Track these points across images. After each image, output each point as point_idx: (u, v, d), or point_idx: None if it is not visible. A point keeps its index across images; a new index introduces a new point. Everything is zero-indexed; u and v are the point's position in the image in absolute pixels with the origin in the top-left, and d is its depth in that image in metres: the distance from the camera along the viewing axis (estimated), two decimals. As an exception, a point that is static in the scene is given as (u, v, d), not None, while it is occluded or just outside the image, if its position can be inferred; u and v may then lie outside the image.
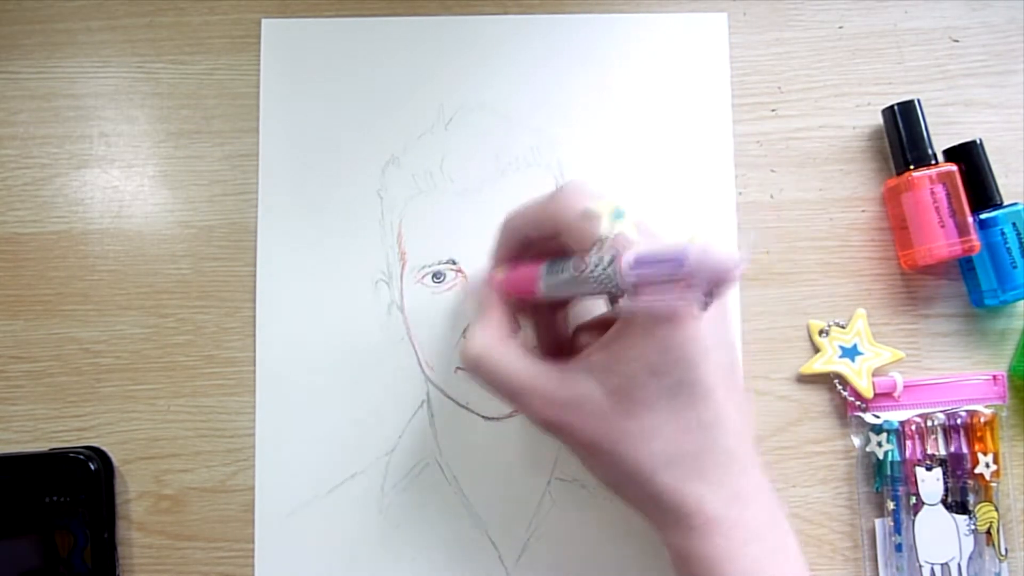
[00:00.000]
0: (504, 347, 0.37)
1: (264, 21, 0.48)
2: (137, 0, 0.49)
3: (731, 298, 0.47)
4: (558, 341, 0.42)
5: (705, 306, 0.30)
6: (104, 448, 0.45)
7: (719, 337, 0.35)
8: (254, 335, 0.46)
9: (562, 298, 0.37)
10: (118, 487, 0.45)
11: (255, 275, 0.47)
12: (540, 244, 0.39)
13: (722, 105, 0.48)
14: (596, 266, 0.33)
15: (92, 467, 0.44)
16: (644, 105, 0.48)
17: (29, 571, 0.43)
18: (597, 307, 0.42)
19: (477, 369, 0.37)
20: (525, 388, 0.36)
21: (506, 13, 0.49)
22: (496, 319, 0.38)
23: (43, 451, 0.45)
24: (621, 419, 0.34)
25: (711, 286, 0.29)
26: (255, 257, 0.47)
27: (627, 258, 0.31)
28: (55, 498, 0.44)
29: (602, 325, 0.39)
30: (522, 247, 0.40)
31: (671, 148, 0.48)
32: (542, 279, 0.36)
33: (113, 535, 0.44)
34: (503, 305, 0.39)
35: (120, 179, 0.48)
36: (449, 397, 0.46)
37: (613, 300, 0.39)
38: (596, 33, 0.48)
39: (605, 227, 0.34)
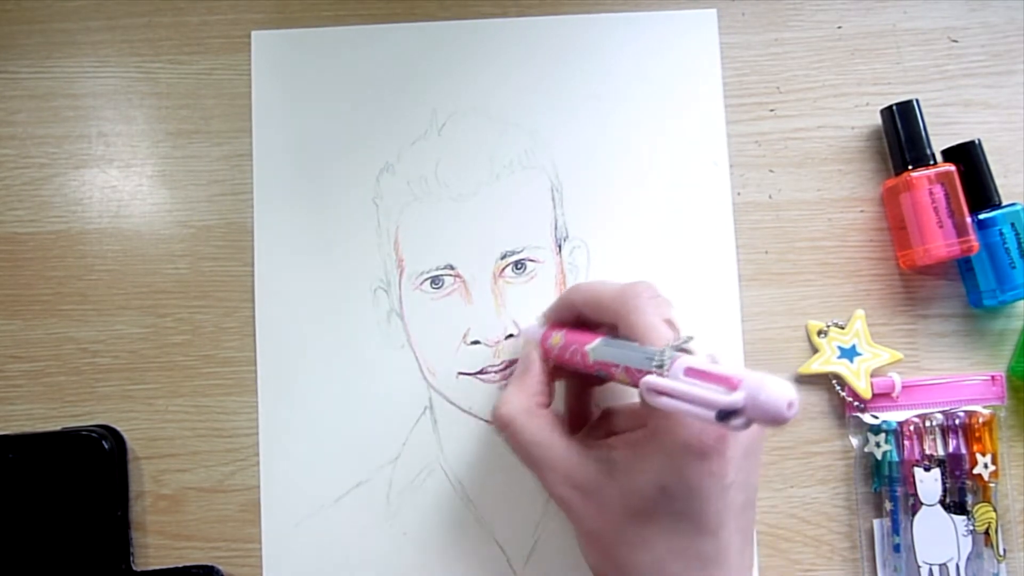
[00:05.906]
0: (534, 416, 0.38)
1: (254, 33, 0.48)
2: (136, 0, 0.49)
3: (730, 300, 0.47)
4: (583, 413, 0.43)
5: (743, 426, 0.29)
6: (116, 427, 0.45)
7: (742, 476, 0.34)
8: (252, 335, 0.46)
9: (602, 374, 0.37)
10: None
11: (253, 275, 0.47)
12: (593, 323, 0.40)
13: (715, 102, 0.48)
14: (650, 359, 0.32)
15: (105, 446, 0.44)
16: (637, 104, 0.48)
17: (43, 550, 0.43)
18: (631, 394, 0.42)
19: (505, 430, 0.39)
20: (544, 461, 0.37)
21: (505, 15, 0.49)
22: (533, 385, 0.39)
23: (56, 430, 0.45)
24: (625, 520, 0.35)
25: (756, 421, 0.28)
26: (253, 257, 0.47)
27: (681, 363, 0.31)
28: (69, 476, 0.44)
29: (630, 414, 0.40)
30: (576, 319, 0.41)
31: (666, 147, 0.48)
32: (593, 349, 0.36)
33: (127, 514, 0.45)
34: (543, 371, 0.40)
35: (118, 179, 0.48)
36: (451, 403, 0.46)
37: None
38: (586, 33, 0.48)
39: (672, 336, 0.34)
